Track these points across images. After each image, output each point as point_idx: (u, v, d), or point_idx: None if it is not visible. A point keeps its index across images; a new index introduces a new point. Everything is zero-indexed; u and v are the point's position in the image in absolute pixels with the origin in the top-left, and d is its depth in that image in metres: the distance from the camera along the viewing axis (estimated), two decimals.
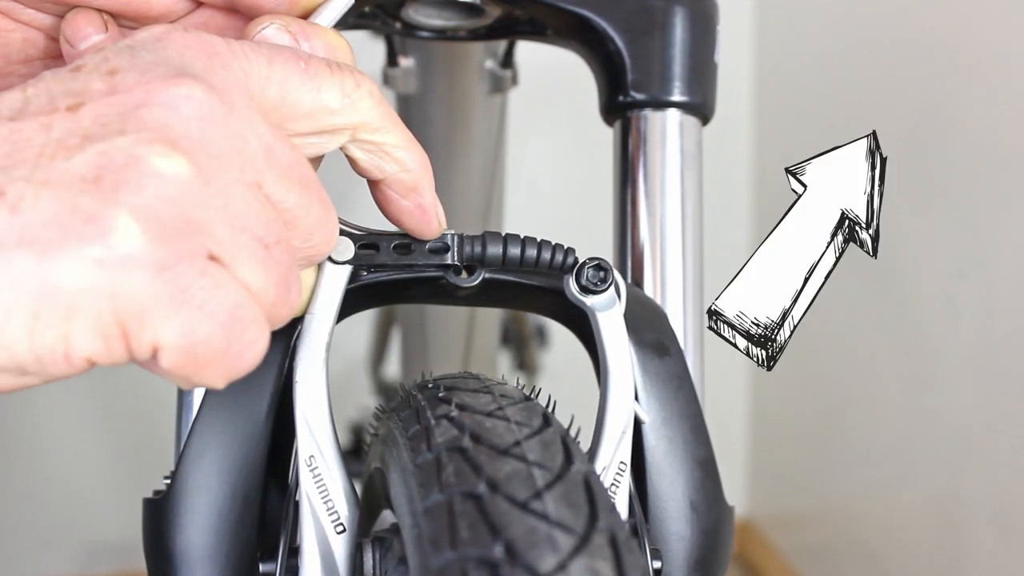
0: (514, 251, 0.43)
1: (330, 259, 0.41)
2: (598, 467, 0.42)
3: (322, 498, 0.39)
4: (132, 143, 0.28)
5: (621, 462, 0.42)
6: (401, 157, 0.37)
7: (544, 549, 0.29)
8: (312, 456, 0.39)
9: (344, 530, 0.39)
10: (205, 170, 0.29)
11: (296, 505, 0.40)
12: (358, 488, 0.41)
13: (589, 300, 0.44)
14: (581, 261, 0.44)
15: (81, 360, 0.28)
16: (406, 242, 0.42)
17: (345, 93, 0.35)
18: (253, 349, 0.30)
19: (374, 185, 0.39)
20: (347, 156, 0.37)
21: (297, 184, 0.32)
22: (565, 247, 0.44)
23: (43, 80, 0.30)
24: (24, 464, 1.67)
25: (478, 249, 0.43)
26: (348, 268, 0.41)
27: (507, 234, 0.43)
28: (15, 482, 1.68)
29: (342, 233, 0.41)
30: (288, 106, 0.34)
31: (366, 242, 0.42)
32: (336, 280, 0.41)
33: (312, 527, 0.39)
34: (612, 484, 0.41)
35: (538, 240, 0.44)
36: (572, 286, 0.44)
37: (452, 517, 0.31)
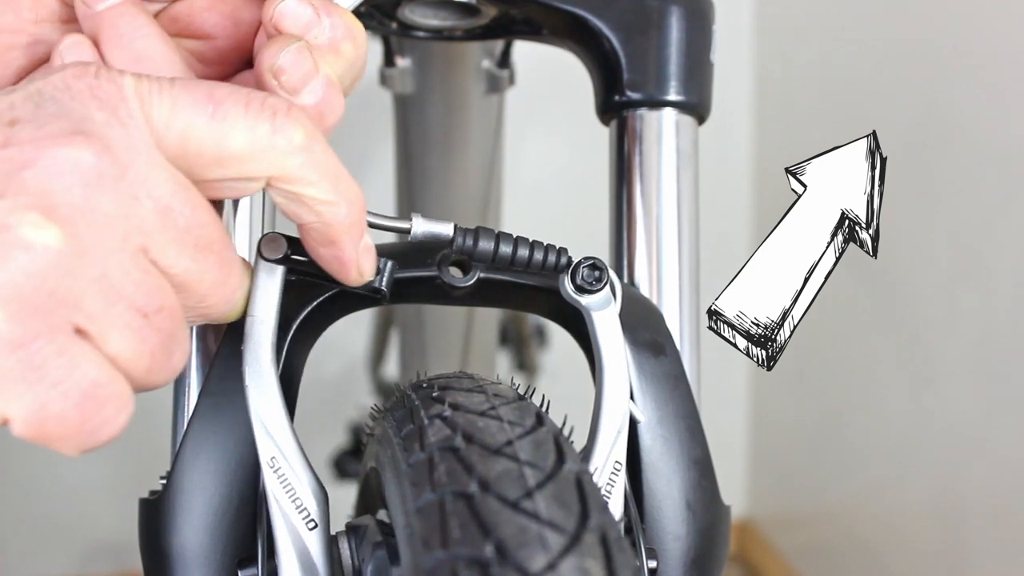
0: (506, 249, 0.42)
1: (262, 256, 0.39)
2: (593, 466, 0.41)
3: (289, 497, 0.39)
4: (7, 209, 0.28)
5: (616, 461, 0.42)
6: (321, 211, 0.34)
7: (534, 548, 0.30)
8: (273, 457, 0.39)
9: (316, 526, 0.39)
10: (81, 239, 0.29)
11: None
12: (343, 490, 0.41)
13: (584, 300, 0.44)
14: (576, 261, 0.44)
15: None
16: None
17: (255, 140, 0.32)
18: (109, 426, 0.30)
19: (297, 225, 0.37)
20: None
21: (191, 248, 0.32)
22: (558, 248, 0.44)
23: None
24: (24, 464, 1.67)
25: (470, 242, 0.42)
26: (283, 267, 0.39)
27: (499, 232, 0.43)
28: (15, 482, 1.68)
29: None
30: (192, 154, 0.32)
31: (297, 247, 0.39)
32: (272, 279, 0.39)
33: (284, 526, 0.39)
34: (607, 484, 0.41)
35: (530, 240, 0.43)
36: (567, 285, 0.44)
37: (443, 516, 0.31)
